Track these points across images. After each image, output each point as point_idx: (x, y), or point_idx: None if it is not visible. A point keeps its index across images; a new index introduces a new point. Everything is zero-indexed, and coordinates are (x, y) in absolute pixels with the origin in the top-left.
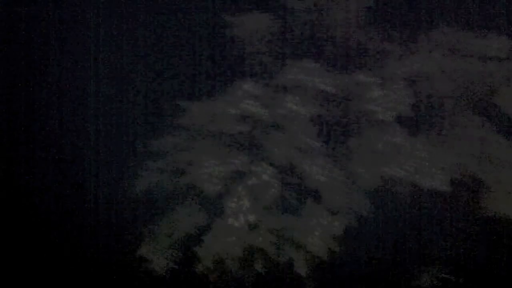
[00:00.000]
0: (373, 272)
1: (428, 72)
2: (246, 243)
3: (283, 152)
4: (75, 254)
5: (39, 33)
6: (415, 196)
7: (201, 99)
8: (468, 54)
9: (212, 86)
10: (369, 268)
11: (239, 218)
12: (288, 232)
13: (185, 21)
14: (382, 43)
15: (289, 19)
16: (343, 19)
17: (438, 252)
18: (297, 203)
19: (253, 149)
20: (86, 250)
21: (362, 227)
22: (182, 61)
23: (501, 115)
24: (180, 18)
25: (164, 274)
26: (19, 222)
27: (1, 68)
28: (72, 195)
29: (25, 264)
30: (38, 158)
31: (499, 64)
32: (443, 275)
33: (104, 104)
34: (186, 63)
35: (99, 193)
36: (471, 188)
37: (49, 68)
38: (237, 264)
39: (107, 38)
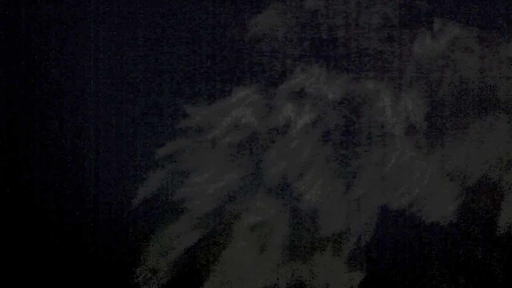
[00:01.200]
0: None
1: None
2: None
3: (278, 169)
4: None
5: (39, 33)
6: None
7: (199, 105)
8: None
9: (209, 90)
10: None
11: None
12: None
13: (186, 21)
14: (395, 45)
15: (299, 19)
16: (354, 20)
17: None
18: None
19: (247, 164)
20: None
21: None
22: (182, 61)
23: None
24: (180, 18)
25: None
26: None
27: (1, 68)
28: (69, 202)
29: (21, 264)
30: (38, 158)
31: None
32: None
33: (104, 107)
34: (187, 63)
35: (98, 204)
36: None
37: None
38: None
39: (107, 40)
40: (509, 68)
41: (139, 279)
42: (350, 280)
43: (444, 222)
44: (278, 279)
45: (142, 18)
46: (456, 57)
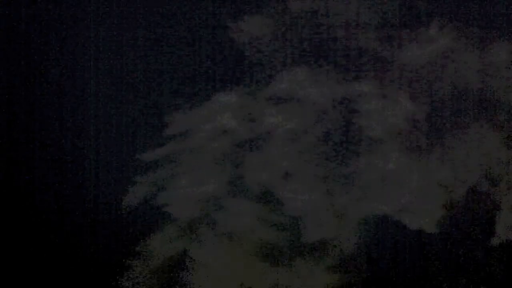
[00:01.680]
0: None
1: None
2: None
3: (261, 177)
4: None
5: (39, 33)
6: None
7: (183, 109)
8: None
9: (193, 95)
10: None
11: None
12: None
13: (167, 24)
14: (384, 46)
15: (286, 21)
16: (341, 21)
17: None
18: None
19: (229, 170)
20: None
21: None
22: (164, 65)
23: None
24: (161, 20)
25: None
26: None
27: (1, 68)
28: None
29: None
30: (37, 158)
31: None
32: None
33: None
34: (169, 67)
35: (87, 208)
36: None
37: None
38: None
39: (103, 41)
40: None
41: (126, 283)
42: None
43: (431, 230)
44: (257, 285)
45: (124, 22)
46: (447, 61)
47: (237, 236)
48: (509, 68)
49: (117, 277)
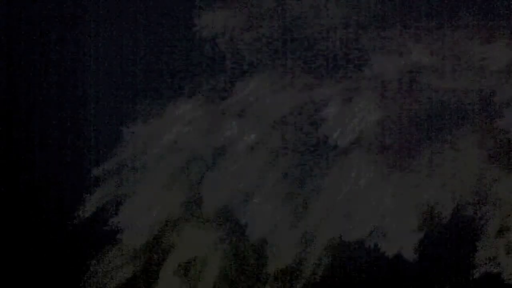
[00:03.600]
0: None
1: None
2: None
3: (220, 196)
4: None
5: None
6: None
7: (133, 123)
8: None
9: (144, 106)
10: None
11: None
12: None
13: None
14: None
15: (243, 23)
16: (305, 23)
17: None
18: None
19: (186, 190)
20: None
21: None
22: (112, 72)
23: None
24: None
25: None
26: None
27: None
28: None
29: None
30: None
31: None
32: None
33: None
34: (117, 74)
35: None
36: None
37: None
38: None
39: None
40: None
41: None
42: None
43: (408, 256)
44: None
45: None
46: (416, 64)
47: (194, 266)
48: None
49: None
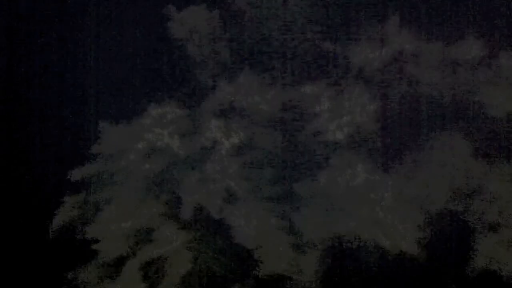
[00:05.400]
0: None
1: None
2: None
3: (200, 201)
4: None
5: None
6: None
7: (113, 123)
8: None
9: (120, 108)
10: None
11: None
12: None
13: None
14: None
15: (225, 20)
16: (288, 20)
17: None
18: None
19: (164, 195)
20: None
21: None
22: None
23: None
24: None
25: None
26: None
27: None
28: None
29: None
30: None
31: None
32: None
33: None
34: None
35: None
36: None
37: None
38: None
39: None
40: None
41: None
42: None
43: (410, 254)
44: None
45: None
46: (404, 60)
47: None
48: (476, 68)
49: None
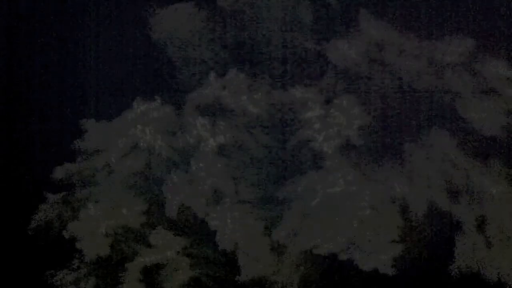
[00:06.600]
0: None
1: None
2: None
3: (185, 201)
4: None
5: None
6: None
7: (96, 121)
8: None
9: (102, 104)
10: None
11: None
12: None
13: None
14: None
15: (217, 18)
16: (280, 20)
17: None
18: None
19: (147, 195)
20: None
21: None
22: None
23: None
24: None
25: None
26: None
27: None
28: None
29: None
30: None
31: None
32: None
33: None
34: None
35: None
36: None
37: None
38: None
39: None
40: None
41: None
42: None
43: (385, 269)
44: None
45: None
46: (390, 61)
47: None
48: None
49: None
